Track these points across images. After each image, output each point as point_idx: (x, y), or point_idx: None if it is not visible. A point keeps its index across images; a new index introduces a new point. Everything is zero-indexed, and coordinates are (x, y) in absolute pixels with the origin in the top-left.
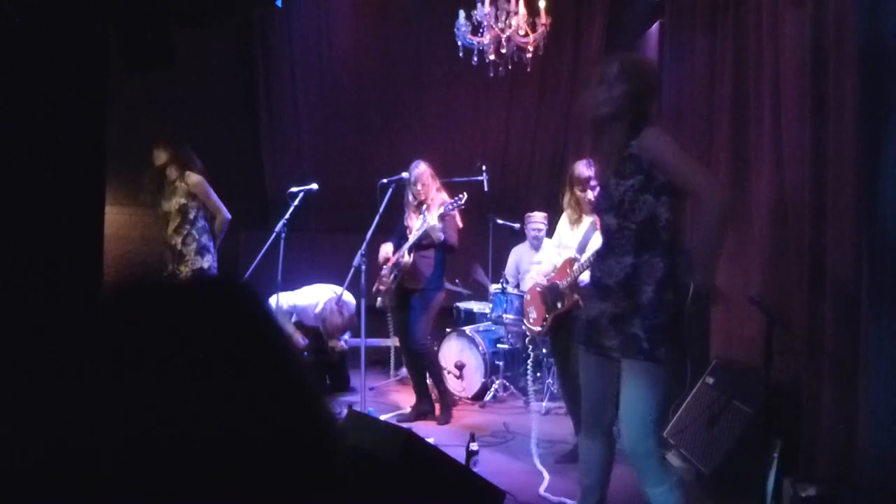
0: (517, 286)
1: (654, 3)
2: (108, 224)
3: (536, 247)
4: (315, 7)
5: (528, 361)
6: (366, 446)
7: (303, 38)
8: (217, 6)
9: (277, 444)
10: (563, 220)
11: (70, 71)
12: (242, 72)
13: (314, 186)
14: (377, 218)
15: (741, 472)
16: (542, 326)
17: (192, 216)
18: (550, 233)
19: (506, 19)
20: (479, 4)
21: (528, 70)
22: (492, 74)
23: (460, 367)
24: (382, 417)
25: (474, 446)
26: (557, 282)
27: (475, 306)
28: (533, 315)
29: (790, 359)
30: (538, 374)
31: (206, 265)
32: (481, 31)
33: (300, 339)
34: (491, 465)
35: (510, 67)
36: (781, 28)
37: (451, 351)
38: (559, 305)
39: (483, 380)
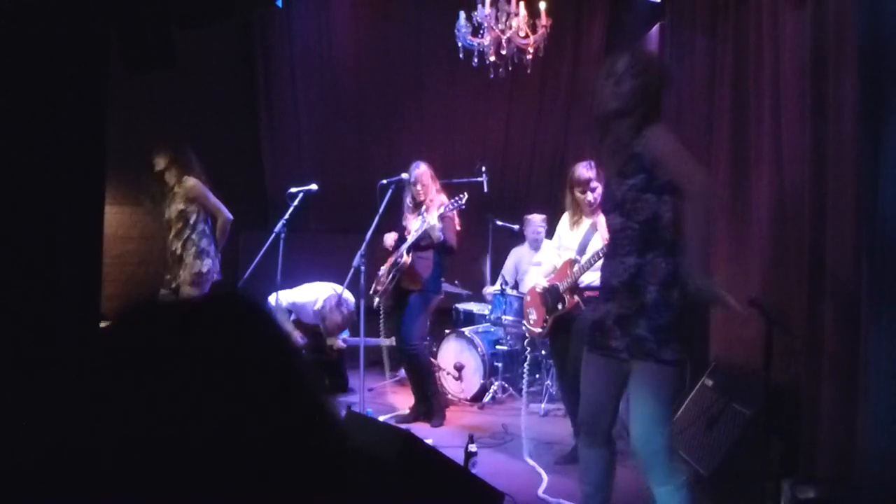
0: (515, 287)
1: (654, 4)
2: (108, 223)
3: (536, 248)
4: (315, 8)
5: (525, 363)
6: (365, 447)
7: (303, 38)
8: (217, 6)
9: (281, 446)
10: (563, 222)
11: (70, 70)
12: (243, 72)
13: (314, 187)
14: (377, 219)
15: (740, 473)
16: (542, 328)
17: (192, 221)
18: (550, 234)
19: (506, 21)
20: (479, 6)
21: (529, 71)
22: (492, 76)
23: (459, 368)
24: (381, 418)
25: (473, 447)
26: (557, 283)
27: (474, 307)
28: (533, 316)
29: (790, 360)
30: (537, 376)
31: (204, 269)
32: (482, 32)
33: (298, 337)
34: (489, 467)
35: (510, 69)
36: (781, 29)
37: (450, 352)
38: (560, 307)
39: (482, 381)
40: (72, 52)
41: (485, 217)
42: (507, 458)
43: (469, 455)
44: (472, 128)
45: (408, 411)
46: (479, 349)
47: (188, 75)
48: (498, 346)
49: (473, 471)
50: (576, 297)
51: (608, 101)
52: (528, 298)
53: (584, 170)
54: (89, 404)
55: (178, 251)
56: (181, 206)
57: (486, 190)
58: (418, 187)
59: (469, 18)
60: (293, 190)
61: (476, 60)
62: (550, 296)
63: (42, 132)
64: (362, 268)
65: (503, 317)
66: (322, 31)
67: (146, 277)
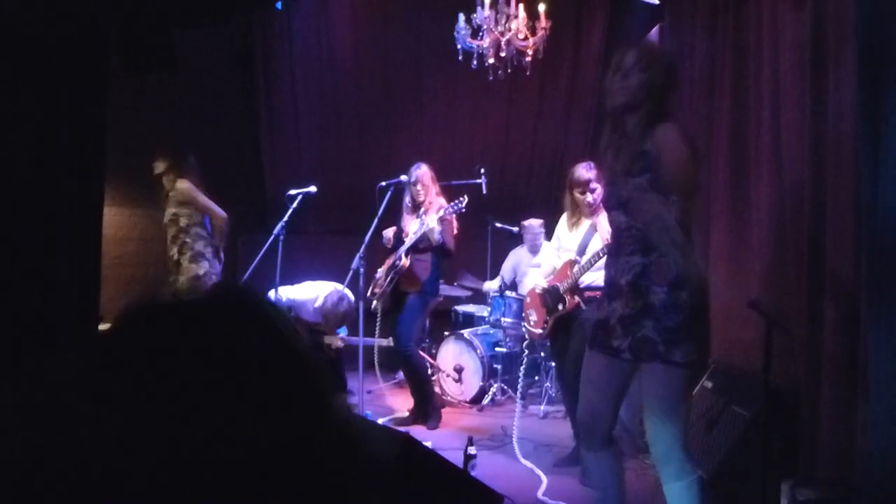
0: (513, 288)
1: (653, 6)
2: (107, 225)
3: (535, 252)
4: (315, 10)
5: (522, 366)
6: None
7: (303, 40)
8: (216, 9)
9: (283, 447)
10: (562, 223)
11: (70, 72)
12: (242, 74)
13: (313, 189)
14: (376, 220)
15: (740, 475)
16: (542, 329)
17: (183, 224)
18: (549, 236)
19: (505, 23)
20: (478, 8)
21: (528, 73)
22: (491, 78)
23: (459, 370)
24: (380, 421)
25: (472, 450)
26: (557, 284)
27: (474, 309)
28: (533, 318)
29: (789, 361)
30: (536, 378)
31: (200, 272)
32: (481, 34)
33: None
34: (489, 469)
35: (509, 71)
36: (781, 29)
37: (450, 354)
38: (560, 307)
39: (481, 383)
40: (72, 54)
41: (484, 219)
42: (507, 460)
43: (468, 457)
44: (472, 129)
45: (407, 414)
46: (479, 351)
47: (188, 77)
48: (497, 348)
49: (473, 473)
50: (576, 298)
51: (616, 95)
52: (528, 300)
53: (584, 171)
54: (89, 405)
55: (175, 256)
56: (173, 210)
57: (485, 191)
58: (418, 187)
59: (468, 20)
60: (292, 192)
61: (475, 62)
62: (551, 297)
63: (42, 133)
64: (361, 270)
65: (502, 319)
66: (322, 32)
67: (145, 279)
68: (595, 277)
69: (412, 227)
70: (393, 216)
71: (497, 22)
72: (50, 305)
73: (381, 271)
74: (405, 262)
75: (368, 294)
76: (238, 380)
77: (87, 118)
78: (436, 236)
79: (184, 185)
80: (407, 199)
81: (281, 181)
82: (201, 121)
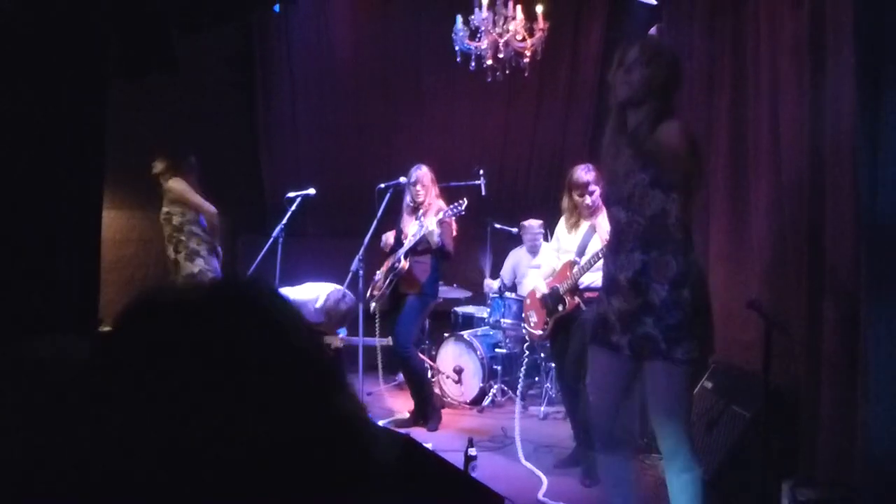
0: (513, 289)
1: (652, 6)
2: (106, 227)
3: (534, 253)
4: (314, 11)
5: (522, 367)
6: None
7: (301, 41)
8: (215, 11)
9: (295, 450)
10: (561, 225)
11: (70, 72)
12: (241, 75)
13: (312, 191)
14: (375, 222)
15: (740, 475)
16: (543, 330)
17: (176, 222)
18: (548, 238)
19: (503, 24)
20: (476, 9)
21: (526, 75)
22: (489, 79)
23: (458, 371)
24: (380, 423)
25: (472, 451)
26: (557, 285)
27: (473, 311)
28: (534, 319)
29: (789, 361)
30: (536, 379)
31: (195, 270)
32: (479, 35)
33: None
34: (489, 470)
35: (508, 72)
36: (779, 29)
37: (450, 356)
38: (560, 308)
39: (481, 384)
40: (72, 54)
41: (483, 220)
42: (507, 462)
43: (469, 459)
44: (471, 131)
45: (407, 415)
46: (478, 352)
47: (187, 79)
48: (497, 350)
49: (473, 474)
50: (576, 299)
51: (619, 90)
52: (528, 301)
53: (583, 173)
54: (89, 405)
55: (172, 255)
56: (166, 209)
57: (483, 193)
58: (418, 188)
59: (466, 22)
60: (291, 194)
61: (473, 64)
62: (551, 298)
63: (42, 134)
64: (361, 272)
65: (502, 320)
66: (321, 34)
67: (145, 281)
68: (595, 278)
69: (411, 229)
70: (392, 218)
71: (495, 23)
72: (50, 306)
73: (379, 273)
74: (404, 264)
75: (367, 296)
76: (238, 379)
77: (87, 118)
78: (435, 238)
79: (175, 183)
80: (407, 200)
81: (279, 183)
82: (200, 122)
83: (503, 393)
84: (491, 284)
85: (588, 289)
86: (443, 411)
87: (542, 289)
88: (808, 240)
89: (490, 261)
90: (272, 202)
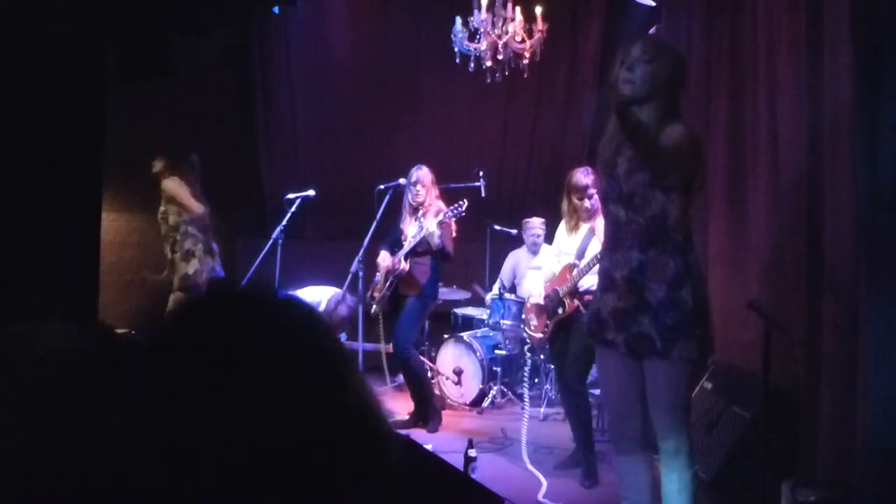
0: (512, 290)
1: (650, 8)
2: (105, 230)
3: (535, 252)
4: (313, 12)
5: (525, 368)
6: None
7: (300, 43)
8: (214, 13)
9: (295, 450)
10: (561, 228)
11: (70, 72)
12: (239, 77)
13: (311, 193)
14: (374, 224)
15: (740, 476)
16: (543, 333)
17: (172, 222)
18: (548, 238)
19: (502, 26)
20: (475, 11)
21: (525, 76)
22: (489, 81)
23: (458, 373)
24: None
25: (472, 452)
26: (557, 288)
27: (473, 312)
28: (534, 322)
29: (789, 362)
30: (536, 380)
31: (190, 271)
32: (478, 37)
33: None
34: (489, 471)
35: (507, 74)
36: (777, 30)
37: (449, 357)
38: (560, 311)
39: (481, 386)
40: (71, 54)
41: (482, 221)
42: (507, 463)
43: (468, 460)
44: (469, 133)
45: (407, 416)
46: (478, 354)
47: (185, 80)
48: (497, 351)
49: (473, 476)
50: (575, 301)
51: (620, 87)
52: (528, 304)
53: (582, 176)
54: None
55: (169, 255)
56: (162, 209)
57: (483, 195)
58: (418, 188)
59: (465, 24)
60: (290, 196)
61: (472, 66)
62: (551, 300)
63: (41, 134)
64: (360, 273)
65: (502, 321)
66: (319, 36)
67: (144, 284)
68: (594, 281)
69: (411, 231)
70: (391, 219)
71: (494, 25)
72: (50, 307)
73: (379, 275)
74: (405, 266)
75: (367, 298)
76: (238, 379)
77: (87, 119)
78: (435, 240)
79: (169, 182)
80: (406, 201)
81: (279, 184)
82: (198, 125)
83: (503, 394)
84: (483, 296)
85: (588, 291)
86: (443, 413)
87: (540, 301)
88: (808, 240)
89: (489, 262)
90: (271, 203)
